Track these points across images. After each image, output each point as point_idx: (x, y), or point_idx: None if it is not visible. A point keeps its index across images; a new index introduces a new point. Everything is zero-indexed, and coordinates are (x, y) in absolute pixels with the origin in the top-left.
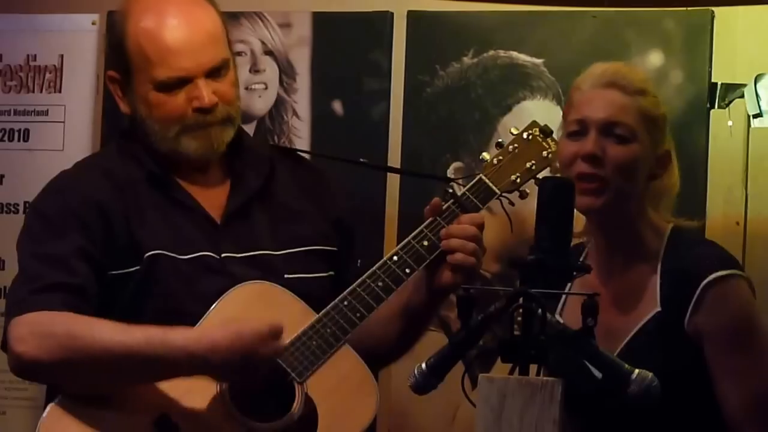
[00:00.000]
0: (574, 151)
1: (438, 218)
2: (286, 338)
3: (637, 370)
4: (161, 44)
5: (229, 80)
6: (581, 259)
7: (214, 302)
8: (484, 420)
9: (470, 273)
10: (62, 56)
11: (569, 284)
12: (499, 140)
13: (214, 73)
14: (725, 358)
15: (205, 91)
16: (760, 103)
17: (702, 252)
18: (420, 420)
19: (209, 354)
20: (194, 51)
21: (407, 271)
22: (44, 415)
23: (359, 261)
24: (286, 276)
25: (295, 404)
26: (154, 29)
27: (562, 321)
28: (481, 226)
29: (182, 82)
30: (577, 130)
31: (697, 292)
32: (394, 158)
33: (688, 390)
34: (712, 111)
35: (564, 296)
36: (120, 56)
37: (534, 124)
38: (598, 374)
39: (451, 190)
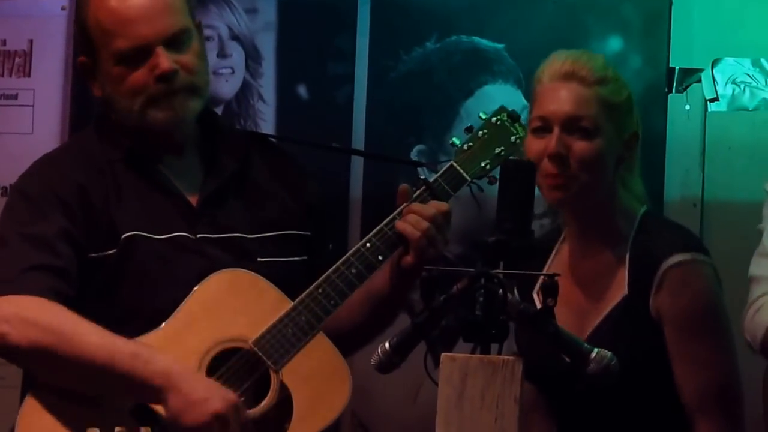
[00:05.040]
0: (540, 149)
1: (410, 204)
2: (262, 325)
3: (596, 350)
4: (118, 15)
5: (193, 51)
6: (559, 241)
7: (188, 283)
8: (447, 398)
9: (423, 250)
10: (31, 41)
11: (547, 264)
12: (469, 125)
13: (175, 43)
14: (683, 343)
15: (163, 58)
16: (717, 88)
17: (667, 235)
18: (383, 399)
19: (184, 390)
20: (150, 19)
21: (380, 257)
22: (22, 406)
23: (330, 245)
24: (259, 259)
25: (270, 392)
26: (110, 3)
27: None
28: (445, 215)
29: (142, 52)
30: (540, 126)
31: (659, 274)
32: (358, 141)
33: (654, 373)
34: (669, 95)
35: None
36: (85, 38)
37: (502, 109)
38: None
39: (423, 177)
